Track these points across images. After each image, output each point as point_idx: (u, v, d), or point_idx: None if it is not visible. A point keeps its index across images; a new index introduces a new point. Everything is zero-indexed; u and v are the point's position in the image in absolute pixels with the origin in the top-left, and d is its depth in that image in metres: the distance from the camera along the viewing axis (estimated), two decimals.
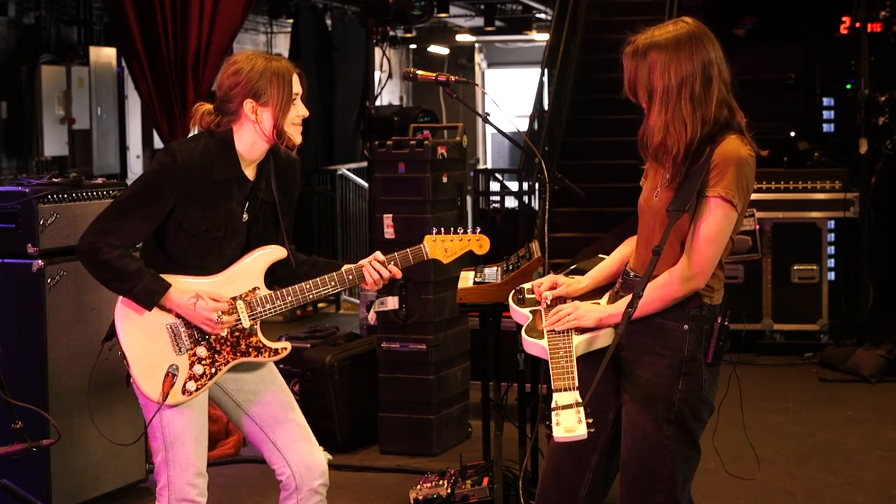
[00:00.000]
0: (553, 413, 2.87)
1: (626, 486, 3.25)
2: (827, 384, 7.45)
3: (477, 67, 21.60)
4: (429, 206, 5.90)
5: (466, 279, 4.44)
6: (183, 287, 3.47)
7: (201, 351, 3.51)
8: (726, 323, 3.18)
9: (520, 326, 3.37)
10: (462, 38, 19.19)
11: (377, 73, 7.94)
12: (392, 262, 3.61)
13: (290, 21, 13.49)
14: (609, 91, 9.78)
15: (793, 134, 8.99)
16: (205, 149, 3.50)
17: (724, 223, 3.12)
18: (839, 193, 8.18)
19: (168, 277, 3.48)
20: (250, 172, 3.59)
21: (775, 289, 8.24)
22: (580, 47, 10.46)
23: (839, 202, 8.16)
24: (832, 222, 8.36)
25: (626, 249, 3.42)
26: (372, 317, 6.04)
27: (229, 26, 7.11)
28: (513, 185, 9.59)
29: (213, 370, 3.52)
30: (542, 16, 17.16)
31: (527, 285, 3.50)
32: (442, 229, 3.69)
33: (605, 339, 3.23)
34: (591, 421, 2.85)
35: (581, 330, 3.21)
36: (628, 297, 3.11)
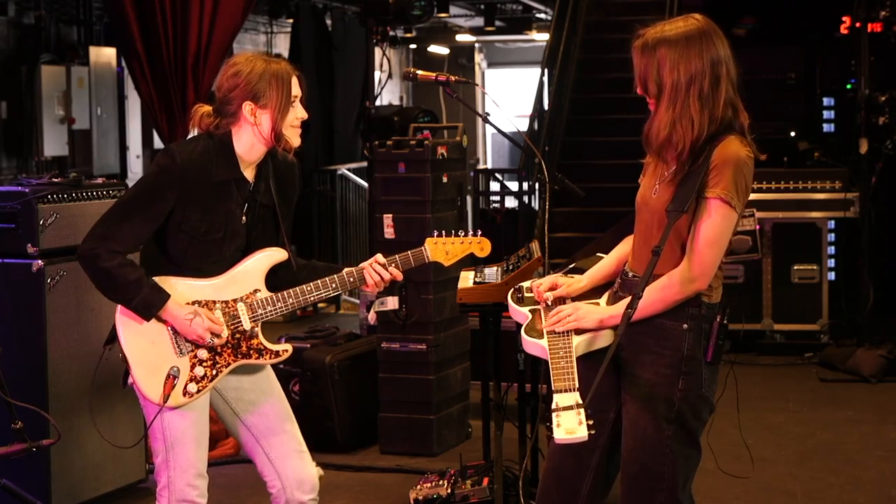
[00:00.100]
0: (554, 414, 2.87)
1: (626, 485, 3.25)
2: (827, 384, 7.45)
3: (477, 67, 21.60)
4: (429, 206, 5.89)
5: (466, 279, 4.44)
6: (181, 295, 3.47)
7: (202, 353, 3.51)
8: (725, 321, 3.18)
9: (519, 326, 3.37)
10: (462, 38, 19.19)
11: (377, 73, 7.94)
12: (393, 265, 3.61)
13: (290, 21, 13.49)
14: (609, 91, 9.84)
15: (793, 134, 8.99)
16: (204, 150, 3.50)
17: (724, 225, 3.12)
18: (839, 193, 8.17)
19: (168, 280, 3.48)
20: (249, 174, 3.59)
21: (775, 289, 8.23)
22: (580, 47, 10.46)
23: (839, 202, 8.16)
24: (832, 222, 8.36)
25: (624, 248, 3.42)
26: (372, 317, 6.04)
27: (229, 26, 7.12)
28: (513, 185, 9.60)
29: (215, 372, 3.52)
30: (542, 16, 17.16)
31: (525, 284, 3.50)
32: (443, 232, 3.69)
33: (605, 339, 3.23)
34: (591, 422, 2.85)
35: (581, 330, 3.21)
36: (629, 299, 3.11)
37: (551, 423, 2.86)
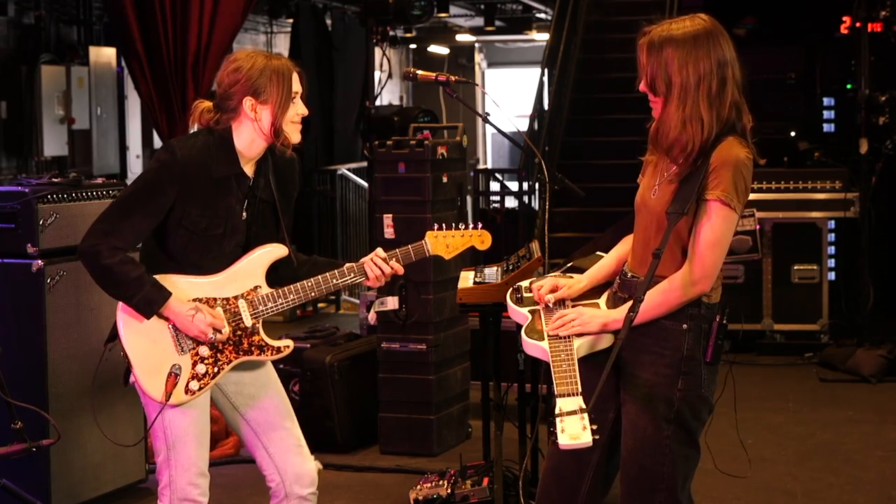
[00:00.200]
0: (557, 420, 2.87)
1: (626, 485, 3.25)
2: (827, 384, 7.45)
3: (477, 67, 21.60)
4: (429, 206, 5.89)
5: (466, 279, 4.44)
6: (182, 292, 3.47)
7: (203, 350, 3.51)
8: (725, 322, 3.18)
9: (519, 326, 3.36)
10: (462, 38, 19.19)
11: (377, 73, 7.94)
12: (393, 259, 3.61)
13: (290, 21, 13.48)
14: (609, 91, 9.84)
15: (793, 134, 8.99)
16: (204, 146, 3.50)
17: (725, 227, 3.12)
18: (839, 193, 8.17)
19: (168, 277, 3.48)
20: (249, 170, 3.59)
21: (775, 289, 8.23)
22: (580, 47, 10.46)
23: (839, 202, 8.16)
24: (832, 222, 8.36)
25: (623, 248, 3.42)
26: (372, 317, 6.04)
27: (229, 26, 7.12)
28: (513, 185, 9.60)
29: (216, 369, 3.52)
30: (542, 16, 17.16)
31: (524, 283, 3.49)
32: (444, 225, 3.69)
33: (606, 341, 3.23)
34: (595, 427, 2.85)
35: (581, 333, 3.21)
36: (630, 302, 3.10)
37: (555, 428, 2.86)
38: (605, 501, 3.39)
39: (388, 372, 6.06)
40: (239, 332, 3.54)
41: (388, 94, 17.45)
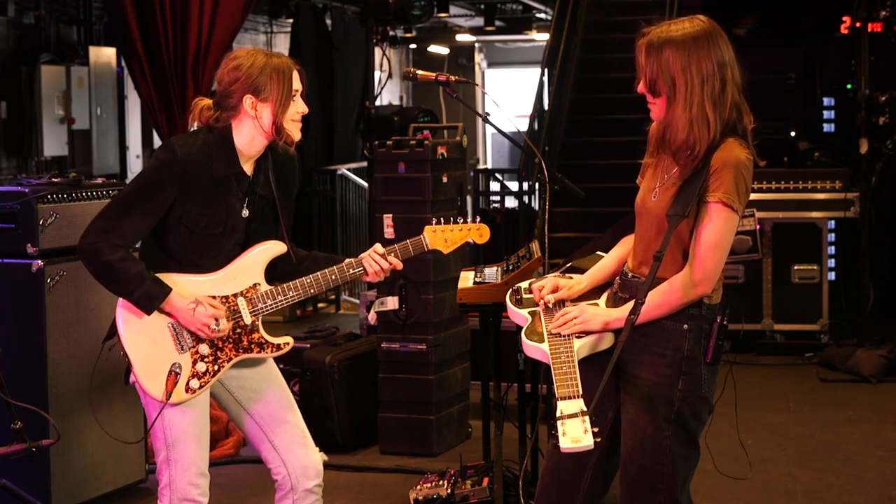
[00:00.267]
0: (558, 422, 2.86)
1: (626, 485, 3.25)
2: (827, 384, 7.44)
3: (477, 67, 21.59)
4: (429, 206, 5.89)
5: (466, 279, 4.44)
6: (182, 289, 3.47)
7: (203, 348, 3.51)
8: (725, 322, 3.18)
9: (520, 328, 3.36)
10: (462, 38, 19.19)
11: (377, 73, 7.94)
12: (392, 254, 3.61)
13: (290, 21, 13.48)
14: (609, 91, 9.84)
15: (793, 134, 8.99)
16: (204, 144, 3.50)
17: (726, 228, 3.12)
18: (839, 193, 8.17)
19: (168, 276, 3.48)
20: (248, 168, 3.59)
21: (775, 289, 8.23)
22: (580, 47, 10.47)
23: (839, 202, 8.15)
24: (832, 222, 8.36)
25: (624, 248, 3.42)
26: (372, 317, 6.03)
27: (229, 26, 7.12)
28: (513, 185, 9.60)
29: (216, 367, 3.52)
30: (542, 16, 17.16)
31: (523, 284, 3.49)
32: (441, 219, 3.69)
33: (608, 341, 3.23)
34: (596, 430, 2.84)
35: (582, 333, 3.20)
36: (632, 303, 3.10)
37: (556, 431, 2.86)
38: (605, 501, 3.39)
39: (388, 372, 6.06)
40: (238, 330, 3.54)
41: (388, 94, 17.45)
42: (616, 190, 7.90)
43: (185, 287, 3.48)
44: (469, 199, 7.94)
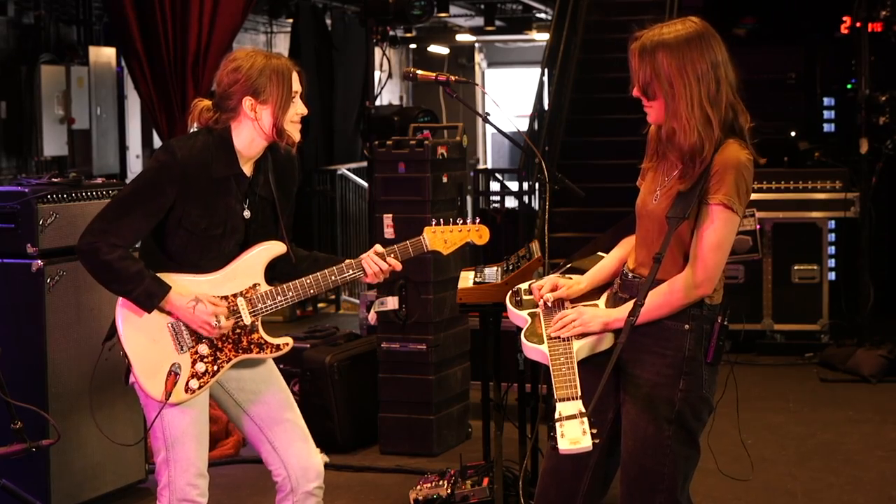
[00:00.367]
0: (557, 424, 2.86)
1: (626, 485, 3.25)
2: (827, 384, 7.44)
3: (477, 67, 21.59)
4: (429, 206, 5.89)
5: (466, 279, 4.44)
6: (182, 288, 3.47)
7: (203, 349, 3.51)
8: (726, 322, 3.18)
9: (519, 329, 3.36)
10: (462, 37, 19.18)
11: (377, 73, 7.94)
12: (392, 255, 3.61)
13: (290, 21, 13.48)
14: (609, 91, 9.82)
15: (793, 134, 8.99)
16: (203, 146, 3.49)
17: (727, 229, 3.12)
18: (840, 193, 8.17)
19: (167, 276, 3.48)
20: (248, 169, 3.58)
21: (775, 289, 8.23)
22: (580, 47, 10.46)
23: (840, 202, 8.15)
24: (833, 222, 8.36)
25: (624, 249, 3.41)
26: (372, 317, 6.03)
27: (229, 26, 7.12)
28: (513, 185, 9.60)
29: (216, 367, 3.52)
30: (542, 15, 17.16)
31: (523, 286, 3.49)
32: (441, 220, 3.69)
33: (607, 342, 3.23)
34: (595, 431, 2.84)
35: (582, 334, 3.20)
36: (631, 304, 3.10)
37: (554, 432, 2.86)
38: (604, 501, 3.38)
39: (388, 372, 6.06)
40: (238, 331, 3.54)
41: (388, 94, 17.44)
42: (616, 190, 7.90)
43: (185, 286, 3.48)
44: (469, 199, 7.93)
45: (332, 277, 3.57)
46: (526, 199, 9.17)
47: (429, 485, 4.92)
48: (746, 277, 8.13)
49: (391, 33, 10.09)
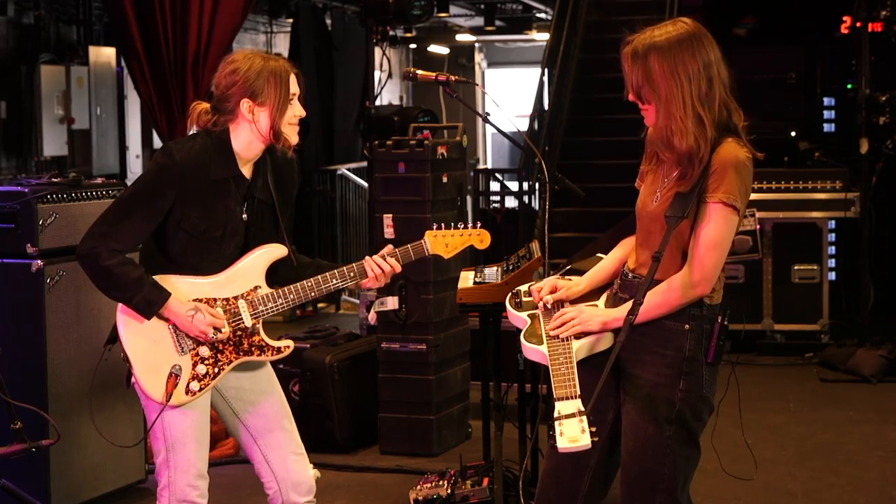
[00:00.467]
0: (556, 423, 2.86)
1: (626, 486, 3.25)
2: (828, 384, 7.44)
3: (477, 67, 21.59)
4: (429, 206, 5.89)
5: (466, 279, 4.44)
6: (183, 293, 3.46)
7: (204, 351, 3.51)
8: (726, 322, 3.18)
9: (519, 329, 3.36)
10: (462, 37, 19.18)
11: (377, 73, 7.93)
12: (392, 257, 3.61)
13: (290, 21, 13.48)
14: (609, 91, 9.77)
15: (793, 134, 8.98)
16: (202, 148, 3.49)
17: (726, 228, 3.12)
18: (840, 193, 8.17)
19: (169, 278, 3.48)
20: (247, 171, 3.58)
21: (776, 289, 8.23)
22: (580, 47, 10.46)
23: (840, 202, 8.15)
24: (833, 222, 8.36)
25: (623, 250, 3.41)
26: (372, 317, 6.03)
27: (229, 26, 7.11)
28: (513, 185, 9.59)
29: (216, 370, 3.52)
30: (542, 15, 17.16)
31: (523, 287, 3.48)
32: (443, 225, 3.69)
33: (606, 342, 3.23)
34: (594, 430, 2.84)
35: (581, 334, 3.20)
36: (630, 303, 3.10)
37: (554, 431, 2.86)
38: (605, 502, 3.38)
39: (388, 372, 6.06)
40: (239, 333, 3.53)
41: (388, 94, 17.44)
42: (616, 190, 7.89)
43: (186, 289, 3.48)
44: (469, 199, 7.92)
45: (333, 280, 3.57)
46: (526, 199, 9.16)
47: (429, 485, 4.92)
48: (746, 277, 8.14)
49: (391, 33, 10.09)
